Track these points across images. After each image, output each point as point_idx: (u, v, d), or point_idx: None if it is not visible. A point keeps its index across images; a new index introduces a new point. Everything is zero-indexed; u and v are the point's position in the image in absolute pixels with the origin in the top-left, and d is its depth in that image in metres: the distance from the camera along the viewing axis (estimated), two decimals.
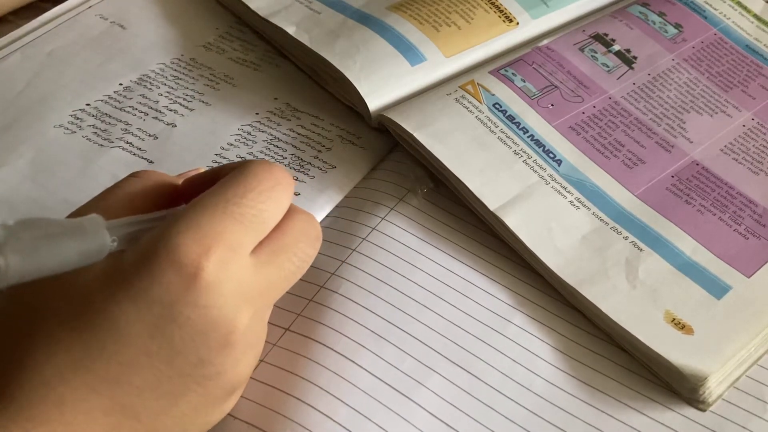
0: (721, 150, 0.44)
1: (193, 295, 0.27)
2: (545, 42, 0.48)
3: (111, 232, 0.27)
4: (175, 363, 0.28)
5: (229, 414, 0.33)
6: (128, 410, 0.28)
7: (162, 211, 0.31)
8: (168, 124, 0.45)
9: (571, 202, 0.40)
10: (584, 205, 0.40)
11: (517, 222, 0.39)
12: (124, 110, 0.46)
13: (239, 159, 0.44)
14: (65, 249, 0.25)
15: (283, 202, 0.30)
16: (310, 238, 0.32)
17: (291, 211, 0.32)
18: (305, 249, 0.32)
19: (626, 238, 0.39)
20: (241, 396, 0.34)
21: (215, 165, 0.43)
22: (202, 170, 0.35)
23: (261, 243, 0.30)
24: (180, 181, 0.33)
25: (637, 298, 0.37)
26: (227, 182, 0.30)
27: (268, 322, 0.34)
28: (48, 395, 0.27)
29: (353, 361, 0.35)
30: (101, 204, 0.31)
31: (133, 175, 0.33)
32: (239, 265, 0.28)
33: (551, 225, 0.39)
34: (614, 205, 0.41)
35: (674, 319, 0.36)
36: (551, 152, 0.42)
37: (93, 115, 0.45)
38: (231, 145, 0.45)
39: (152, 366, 0.28)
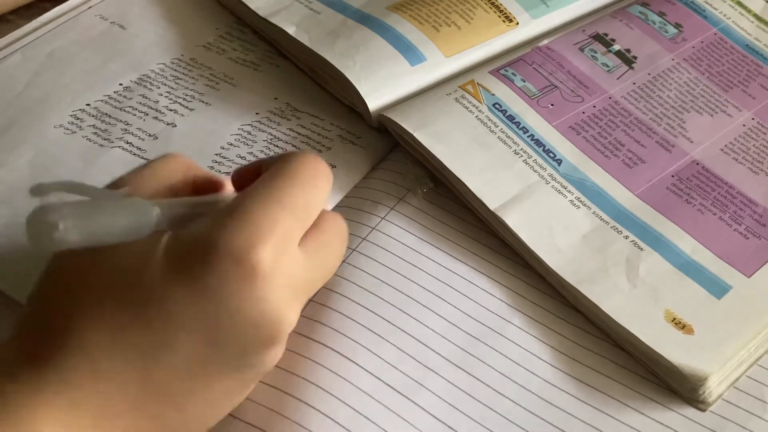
0: (722, 150, 0.44)
1: (249, 287, 0.27)
2: (545, 42, 0.48)
3: (164, 212, 0.28)
4: (218, 350, 0.28)
5: (229, 414, 0.33)
6: (160, 387, 0.28)
7: (209, 195, 0.31)
8: (168, 124, 0.45)
9: (571, 201, 0.40)
10: (584, 205, 0.40)
11: (517, 221, 0.39)
12: (124, 110, 0.46)
13: (239, 159, 0.44)
14: (115, 220, 0.26)
15: (325, 191, 0.31)
16: (344, 236, 0.33)
17: (326, 214, 0.32)
18: (341, 246, 0.33)
19: (626, 237, 0.39)
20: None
21: (215, 165, 0.43)
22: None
23: (305, 237, 0.30)
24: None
25: (637, 297, 0.37)
26: (275, 173, 0.30)
27: None
28: (85, 362, 0.27)
29: (354, 362, 0.35)
30: (137, 181, 0.31)
31: (165, 156, 0.33)
32: (291, 257, 0.29)
33: (551, 224, 0.39)
34: (614, 205, 0.41)
35: (674, 319, 0.36)
36: (551, 152, 0.42)
37: (93, 116, 0.46)
38: (231, 144, 0.45)
39: (193, 348, 0.28)
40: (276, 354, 0.30)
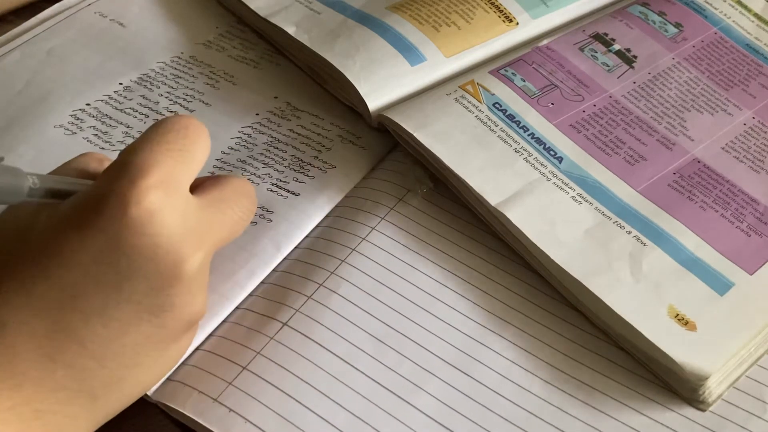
0: (722, 148, 0.44)
1: (137, 223, 0.28)
2: (545, 42, 0.48)
3: (40, 182, 0.28)
4: (124, 289, 0.29)
5: (227, 407, 0.33)
6: (72, 334, 0.29)
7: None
8: None
9: (573, 197, 0.40)
10: (586, 200, 0.40)
11: (519, 216, 0.39)
12: (125, 112, 0.46)
13: (240, 163, 0.44)
14: None
15: (202, 139, 0.32)
16: (249, 195, 0.34)
17: (227, 175, 0.35)
18: (245, 203, 0.34)
19: (629, 232, 0.39)
20: (239, 389, 0.34)
21: (216, 171, 0.43)
22: None
23: (202, 191, 0.32)
24: None
25: (641, 291, 0.37)
26: (147, 131, 0.31)
27: (264, 314, 0.35)
28: None
29: (352, 365, 0.35)
30: (53, 173, 0.33)
31: (85, 154, 0.35)
32: (180, 197, 0.30)
33: (554, 219, 0.39)
34: (617, 200, 0.41)
35: (678, 315, 0.36)
36: (552, 150, 0.42)
37: (93, 116, 0.45)
38: (231, 149, 0.44)
39: (99, 292, 0.29)
40: (186, 296, 0.30)
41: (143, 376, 0.32)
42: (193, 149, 0.32)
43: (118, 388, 0.30)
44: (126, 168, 0.29)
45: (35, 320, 0.28)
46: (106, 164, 0.34)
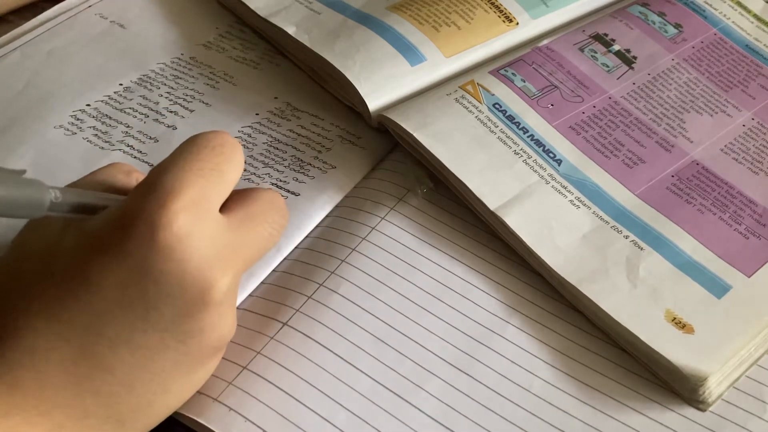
0: (721, 150, 0.44)
1: (166, 249, 0.28)
2: (545, 42, 0.48)
3: (62, 195, 0.27)
4: (151, 317, 0.28)
5: (227, 406, 0.33)
6: (100, 362, 0.28)
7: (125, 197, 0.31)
8: (169, 127, 0.45)
9: (571, 201, 0.40)
10: (584, 205, 0.40)
11: (517, 221, 0.39)
12: (125, 112, 0.46)
13: None
14: (7, 192, 0.25)
15: (236, 157, 0.31)
16: (280, 209, 0.33)
17: (256, 188, 0.33)
18: (276, 218, 0.33)
19: (627, 237, 0.39)
20: (239, 388, 0.34)
21: None
22: None
23: (231, 209, 0.31)
24: None
25: (637, 296, 0.37)
26: (180, 146, 0.31)
27: (264, 314, 0.35)
28: (20, 342, 0.28)
29: (352, 365, 0.35)
30: (78, 184, 0.32)
31: (112, 165, 0.34)
32: (210, 219, 0.29)
33: (552, 224, 0.39)
34: (614, 205, 0.41)
35: (675, 318, 0.36)
36: (551, 152, 0.42)
37: (93, 116, 0.45)
38: None
39: (126, 319, 0.28)
40: (214, 321, 0.30)
41: (171, 400, 0.31)
42: (227, 169, 0.31)
43: (145, 414, 0.30)
44: (156, 189, 0.28)
45: (64, 346, 0.28)
46: (135, 176, 0.34)
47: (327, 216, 0.42)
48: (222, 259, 0.29)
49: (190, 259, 0.28)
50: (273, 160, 0.44)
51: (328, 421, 0.33)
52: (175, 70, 0.49)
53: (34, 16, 0.51)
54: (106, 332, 0.28)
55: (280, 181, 0.43)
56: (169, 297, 0.28)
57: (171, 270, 0.28)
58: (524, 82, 0.45)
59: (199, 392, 0.34)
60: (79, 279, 0.28)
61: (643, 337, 0.35)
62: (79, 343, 0.28)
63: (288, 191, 0.42)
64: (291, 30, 0.48)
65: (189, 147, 0.30)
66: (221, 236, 0.30)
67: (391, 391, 0.34)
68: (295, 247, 0.40)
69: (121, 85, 0.47)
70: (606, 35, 0.49)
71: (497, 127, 0.43)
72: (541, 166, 0.42)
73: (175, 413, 0.34)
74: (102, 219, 0.29)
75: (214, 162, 0.30)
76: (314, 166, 0.44)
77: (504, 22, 0.50)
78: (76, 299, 0.28)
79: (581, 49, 0.48)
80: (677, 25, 0.51)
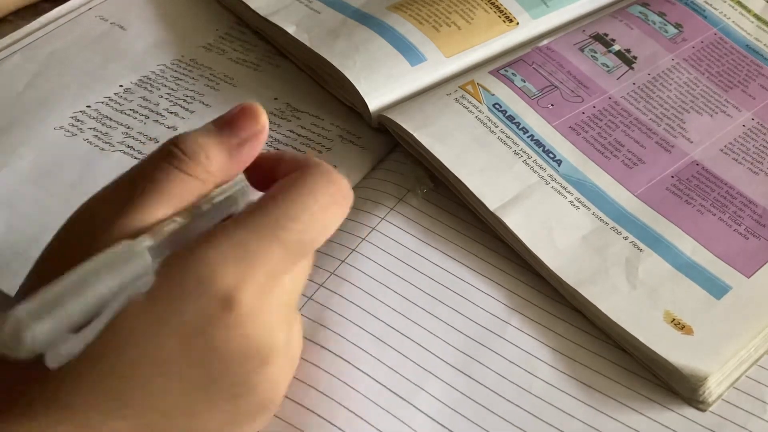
0: (721, 150, 0.44)
1: (230, 324, 0.26)
2: (545, 42, 0.48)
3: (151, 252, 0.25)
4: (210, 390, 0.27)
5: None
6: (153, 428, 0.26)
7: (200, 203, 0.28)
8: (169, 128, 0.45)
9: (571, 202, 0.40)
10: (584, 205, 0.40)
11: (517, 222, 0.39)
12: (125, 113, 0.46)
13: None
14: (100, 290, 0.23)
15: (335, 222, 0.28)
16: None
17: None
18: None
19: (626, 238, 0.39)
20: None
21: None
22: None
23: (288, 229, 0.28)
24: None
25: (637, 298, 0.37)
26: (279, 198, 0.27)
27: None
28: (73, 417, 0.25)
29: (352, 365, 0.35)
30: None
31: (168, 157, 0.28)
32: (279, 292, 0.27)
33: (551, 225, 0.39)
34: (614, 205, 0.41)
35: (674, 320, 0.36)
36: (551, 152, 0.42)
37: (93, 118, 0.46)
38: None
39: (184, 392, 0.26)
40: (268, 374, 0.28)
41: None
42: (317, 238, 0.27)
43: None
44: (229, 256, 0.25)
45: (118, 421, 0.26)
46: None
47: None
48: (283, 322, 0.28)
49: (251, 335, 0.26)
50: None
51: (328, 421, 0.33)
52: (176, 71, 0.49)
53: (34, 15, 0.51)
54: (161, 406, 0.26)
55: None
56: (228, 370, 0.27)
57: (234, 346, 0.26)
58: (524, 82, 0.45)
59: None
60: (132, 352, 0.25)
61: (642, 339, 0.35)
62: (135, 419, 0.26)
63: None
64: (291, 29, 0.48)
65: (286, 204, 0.27)
66: (286, 300, 0.28)
67: (391, 391, 0.34)
68: None
69: (121, 86, 0.47)
70: (606, 35, 0.49)
71: (497, 127, 0.43)
72: (541, 167, 0.42)
73: None
74: (163, 279, 0.25)
75: (306, 233, 0.27)
76: None
77: (504, 22, 0.50)
78: (130, 376, 0.25)
79: (581, 49, 0.48)
80: (677, 25, 0.51)
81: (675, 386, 0.35)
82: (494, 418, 0.34)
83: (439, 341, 0.36)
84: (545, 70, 0.46)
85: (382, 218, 0.41)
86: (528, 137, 0.43)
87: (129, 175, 0.29)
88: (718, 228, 0.40)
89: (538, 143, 0.43)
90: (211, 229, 0.27)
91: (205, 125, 0.29)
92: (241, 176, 0.30)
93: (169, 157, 0.28)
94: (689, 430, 0.34)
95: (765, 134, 0.46)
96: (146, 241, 0.25)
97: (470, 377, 0.35)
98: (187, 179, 0.28)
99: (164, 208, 0.27)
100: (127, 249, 0.25)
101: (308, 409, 0.33)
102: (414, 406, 0.34)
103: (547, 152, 0.42)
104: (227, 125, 0.29)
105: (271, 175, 0.29)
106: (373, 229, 0.40)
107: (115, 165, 0.43)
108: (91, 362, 0.25)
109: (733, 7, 0.53)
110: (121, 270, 0.24)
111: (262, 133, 0.29)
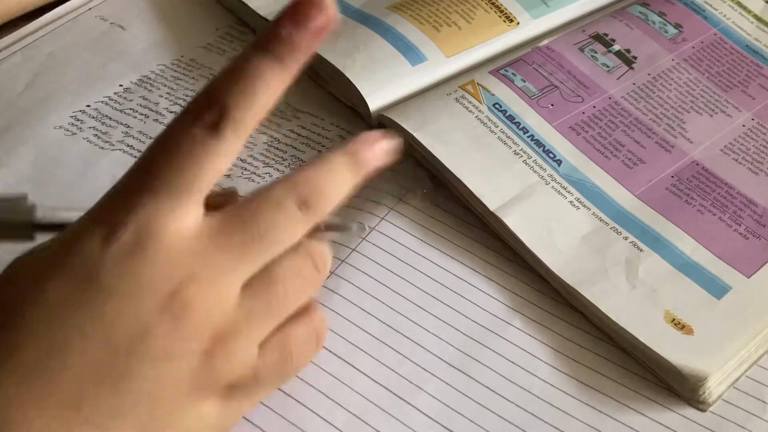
0: (721, 150, 0.44)
1: (115, 254, 0.25)
2: (545, 42, 0.48)
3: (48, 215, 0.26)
4: (111, 339, 0.25)
5: None
6: (68, 400, 0.25)
7: None
8: None
9: (571, 202, 0.40)
10: (584, 205, 0.40)
11: (517, 222, 0.39)
12: (125, 112, 0.46)
13: (240, 162, 0.44)
14: None
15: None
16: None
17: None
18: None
19: (626, 238, 0.39)
20: None
21: None
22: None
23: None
24: None
25: (637, 298, 0.37)
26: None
27: None
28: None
29: (352, 365, 0.35)
30: None
31: None
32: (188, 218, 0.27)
33: (551, 225, 0.39)
34: (614, 206, 0.41)
35: (674, 320, 0.36)
36: (551, 152, 0.42)
37: (93, 117, 0.46)
38: None
39: (86, 346, 0.25)
40: (187, 341, 0.26)
41: None
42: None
43: None
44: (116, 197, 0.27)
45: (23, 388, 0.25)
46: None
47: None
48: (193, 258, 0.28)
49: (145, 271, 0.26)
50: (273, 159, 0.44)
51: (328, 421, 0.33)
52: (175, 71, 0.49)
53: (36, 18, 0.51)
54: (67, 362, 0.25)
55: None
56: (128, 309, 0.25)
57: (125, 281, 0.26)
58: (524, 82, 0.45)
59: None
60: (29, 301, 0.25)
61: (642, 339, 0.35)
62: (40, 381, 0.25)
63: None
64: None
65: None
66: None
67: (390, 391, 0.34)
68: None
69: (121, 86, 0.47)
70: (606, 35, 0.49)
71: (497, 127, 0.43)
72: (541, 167, 0.42)
73: None
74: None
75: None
76: None
77: (504, 22, 0.50)
78: (35, 331, 0.25)
79: (581, 49, 0.48)
80: (677, 25, 0.51)
81: (675, 386, 0.35)
82: (494, 418, 0.34)
83: (439, 341, 0.36)
84: (545, 70, 0.46)
85: (382, 218, 0.41)
86: (528, 137, 0.43)
87: None
88: (719, 228, 0.40)
89: (538, 143, 0.43)
90: None
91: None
92: None
93: None
94: (689, 430, 0.34)
95: (765, 134, 0.46)
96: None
97: (470, 377, 0.35)
98: None
99: None
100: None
101: (308, 408, 0.33)
102: (413, 406, 0.34)
103: (547, 152, 0.42)
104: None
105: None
106: (373, 229, 0.40)
107: (115, 164, 0.43)
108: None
109: (732, 8, 0.53)
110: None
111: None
